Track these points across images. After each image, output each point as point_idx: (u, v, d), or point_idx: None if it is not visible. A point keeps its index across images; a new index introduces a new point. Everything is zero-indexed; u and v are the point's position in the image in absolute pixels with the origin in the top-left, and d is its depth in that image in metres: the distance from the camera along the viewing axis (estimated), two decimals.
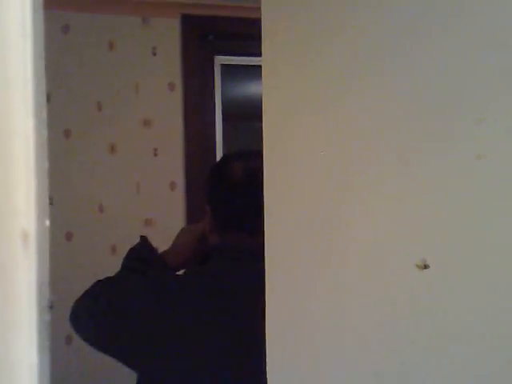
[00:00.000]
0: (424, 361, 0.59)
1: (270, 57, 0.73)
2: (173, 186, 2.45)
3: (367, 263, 0.64)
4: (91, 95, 2.38)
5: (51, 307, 0.34)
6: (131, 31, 2.40)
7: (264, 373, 0.98)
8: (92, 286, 1.10)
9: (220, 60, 2.55)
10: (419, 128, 0.60)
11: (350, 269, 0.65)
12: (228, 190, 1.09)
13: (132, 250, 1.21)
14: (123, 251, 1.25)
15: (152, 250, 1.20)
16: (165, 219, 2.41)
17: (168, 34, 2.43)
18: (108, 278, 1.11)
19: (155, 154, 2.44)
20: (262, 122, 0.72)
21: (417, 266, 0.58)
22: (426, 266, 0.57)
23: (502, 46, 0.55)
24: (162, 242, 1.25)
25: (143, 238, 1.22)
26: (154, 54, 2.42)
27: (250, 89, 2.75)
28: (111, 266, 1.27)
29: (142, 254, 1.19)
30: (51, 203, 2.38)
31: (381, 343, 0.63)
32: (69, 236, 2.40)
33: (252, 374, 1.00)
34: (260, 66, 0.72)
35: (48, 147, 0.33)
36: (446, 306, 0.57)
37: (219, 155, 2.53)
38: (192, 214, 2.39)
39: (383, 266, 0.62)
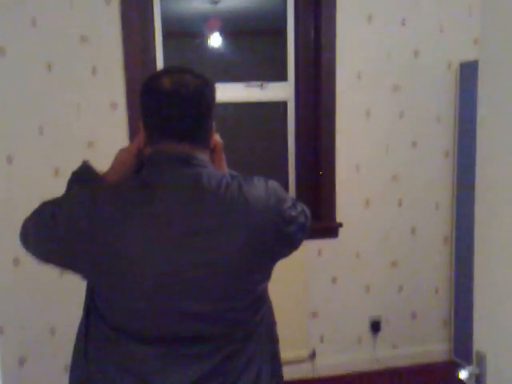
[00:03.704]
0: None
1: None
2: (114, 106, 2.41)
3: None
4: (26, 11, 2.27)
5: None
6: None
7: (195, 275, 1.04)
8: (39, 206, 1.15)
9: None
10: None
11: None
12: (156, 102, 1.15)
13: (75, 173, 1.29)
14: (67, 173, 1.29)
15: (93, 170, 1.28)
16: (107, 140, 2.38)
17: None
18: (54, 198, 1.17)
19: (94, 73, 2.37)
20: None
21: None
22: None
23: None
24: (105, 164, 1.28)
25: (85, 162, 1.30)
26: None
27: (190, 5, 2.67)
28: (55, 188, 1.28)
29: (84, 175, 1.27)
30: None
31: None
32: (9, 159, 2.35)
33: (179, 277, 1.06)
34: None
35: None
36: None
37: None
38: (135, 134, 2.36)
39: None
